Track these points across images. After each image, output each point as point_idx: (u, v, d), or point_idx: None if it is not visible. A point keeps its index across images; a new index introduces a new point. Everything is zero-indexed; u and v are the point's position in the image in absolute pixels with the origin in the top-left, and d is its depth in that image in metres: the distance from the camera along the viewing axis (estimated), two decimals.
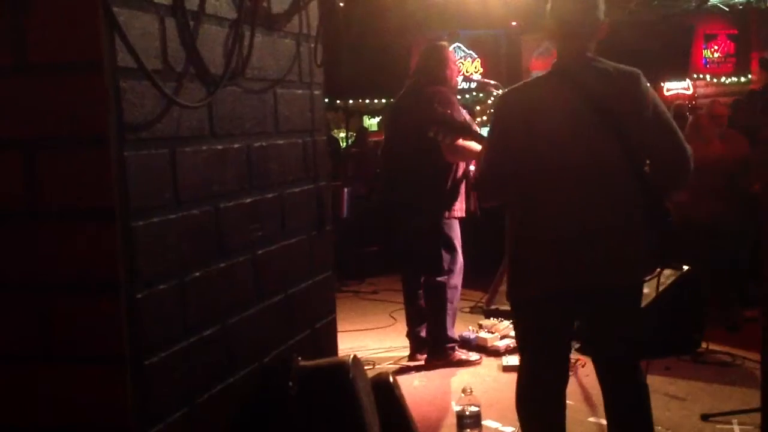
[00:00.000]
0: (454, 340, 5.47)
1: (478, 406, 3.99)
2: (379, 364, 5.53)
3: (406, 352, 5.71)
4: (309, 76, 2.76)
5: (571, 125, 3.04)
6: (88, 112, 1.76)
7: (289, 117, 2.62)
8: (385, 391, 2.43)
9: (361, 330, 6.54)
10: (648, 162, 3.15)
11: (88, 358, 1.80)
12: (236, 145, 2.29)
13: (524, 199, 3.13)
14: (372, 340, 6.25)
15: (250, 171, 2.36)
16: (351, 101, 16.13)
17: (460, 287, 5.50)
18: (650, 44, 14.33)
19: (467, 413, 3.97)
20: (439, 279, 5.33)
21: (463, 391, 4.04)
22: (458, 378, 5.18)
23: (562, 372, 3.29)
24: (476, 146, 5.07)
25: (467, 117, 5.25)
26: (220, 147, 2.20)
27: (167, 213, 1.95)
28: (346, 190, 4.98)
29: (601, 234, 3.03)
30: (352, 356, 2.30)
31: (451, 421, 4.22)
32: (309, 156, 2.74)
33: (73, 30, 1.75)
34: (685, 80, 16.75)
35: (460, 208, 5.37)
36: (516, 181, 3.12)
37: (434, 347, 5.42)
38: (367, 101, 16.75)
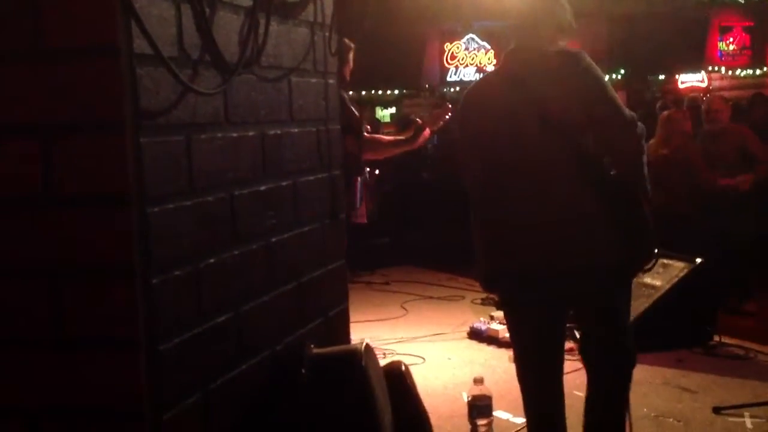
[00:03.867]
0: None
1: (490, 396, 4.00)
2: (390, 354, 5.53)
3: (418, 343, 5.72)
4: (323, 64, 2.77)
5: (508, 122, 3.12)
6: (104, 98, 1.77)
7: (304, 105, 2.63)
8: (397, 379, 2.44)
9: (373, 321, 6.54)
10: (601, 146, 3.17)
11: (104, 342, 1.81)
12: (251, 133, 2.30)
13: (480, 191, 3.27)
14: (383, 330, 6.25)
15: (264, 159, 2.37)
16: (363, 92, 16.13)
17: None
18: (665, 36, 14.26)
19: (478, 402, 3.97)
20: None
21: (475, 380, 4.05)
22: (469, 369, 5.18)
23: (548, 360, 3.33)
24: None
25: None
26: (234, 134, 2.21)
27: (182, 199, 1.96)
28: (359, 179, 4.95)
29: (541, 228, 3.08)
30: (364, 344, 2.30)
31: (462, 411, 4.22)
32: (323, 145, 2.74)
33: (89, 15, 1.76)
34: (700, 73, 16.65)
35: (361, 214, 5.31)
36: (470, 175, 3.29)
37: None
38: (380, 92, 16.75)
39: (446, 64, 16.75)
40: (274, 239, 2.40)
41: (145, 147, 1.83)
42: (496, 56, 16.72)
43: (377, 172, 5.45)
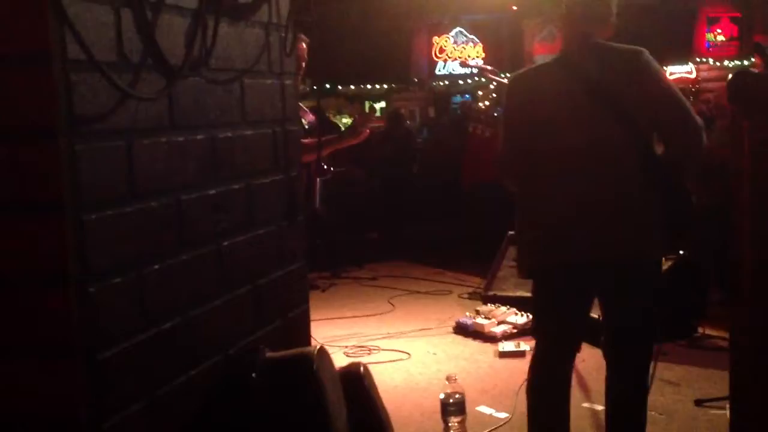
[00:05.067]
0: None
1: (462, 393, 3.98)
2: (375, 350, 5.53)
3: (404, 339, 5.71)
4: (279, 65, 2.74)
5: (568, 111, 3.13)
6: (36, 105, 1.75)
7: (258, 107, 2.60)
8: (355, 382, 2.42)
9: (360, 316, 6.53)
10: (661, 142, 3.22)
11: (38, 351, 1.79)
12: (199, 137, 2.28)
13: (529, 180, 3.25)
14: (370, 326, 6.24)
15: (215, 162, 2.34)
16: (352, 87, 16.09)
17: None
18: (653, 28, 14.22)
19: (451, 401, 3.95)
20: None
21: (448, 378, 4.03)
22: (454, 364, 5.17)
23: (568, 351, 3.34)
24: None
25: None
26: (181, 138, 2.19)
27: (123, 206, 1.94)
28: (318, 180, 4.97)
29: (597, 214, 3.10)
30: (318, 347, 2.29)
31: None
32: (279, 146, 2.72)
33: (20, 22, 1.73)
34: (687, 64, 16.61)
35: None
36: (522, 164, 3.26)
37: None
38: (369, 87, 16.71)
39: (435, 58, 16.72)
40: (225, 243, 2.37)
41: (81, 154, 1.80)
42: (484, 50, 16.67)
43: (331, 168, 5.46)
